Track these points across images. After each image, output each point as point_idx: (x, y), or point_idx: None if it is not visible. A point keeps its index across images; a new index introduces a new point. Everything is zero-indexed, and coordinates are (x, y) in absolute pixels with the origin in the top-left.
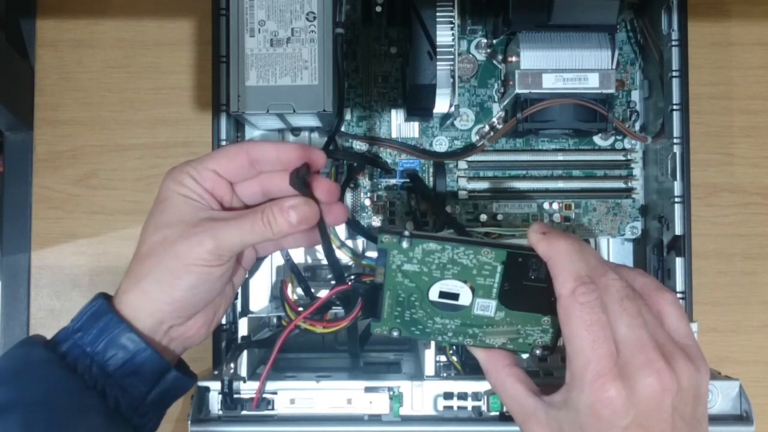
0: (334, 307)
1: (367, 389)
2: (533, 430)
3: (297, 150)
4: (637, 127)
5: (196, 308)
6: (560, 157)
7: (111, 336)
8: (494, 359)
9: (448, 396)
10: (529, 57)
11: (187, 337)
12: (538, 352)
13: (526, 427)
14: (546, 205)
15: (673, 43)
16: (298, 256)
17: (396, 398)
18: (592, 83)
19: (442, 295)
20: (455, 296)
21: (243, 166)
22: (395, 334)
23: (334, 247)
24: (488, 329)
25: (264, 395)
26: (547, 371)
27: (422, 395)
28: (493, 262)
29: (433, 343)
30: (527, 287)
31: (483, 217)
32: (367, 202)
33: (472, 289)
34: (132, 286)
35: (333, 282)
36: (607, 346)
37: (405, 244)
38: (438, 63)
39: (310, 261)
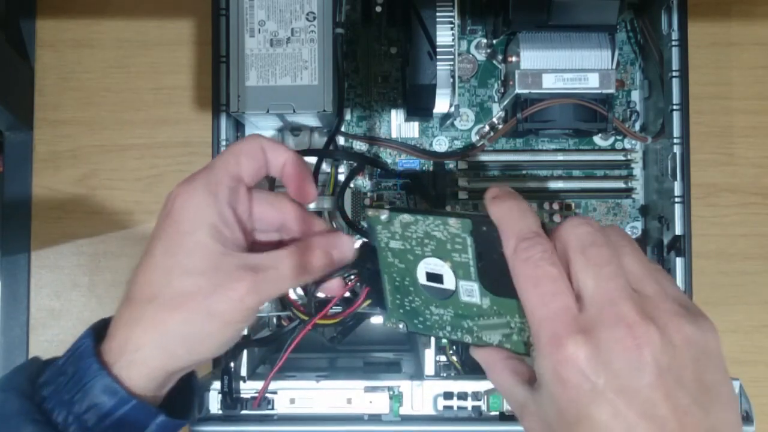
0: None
1: (367, 389)
2: (529, 423)
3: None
4: (637, 127)
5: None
6: (560, 157)
7: (88, 385)
8: (491, 356)
9: (448, 396)
10: (529, 57)
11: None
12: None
13: (523, 422)
14: (546, 205)
15: (673, 43)
16: None
17: (396, 398)
18: (592, 83)
19: (429, 277)
20: (440, 278)
21: (261, 166)
22: (401, 326)
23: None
24: (481, 321)
25: (264, 395)
26: None
27: (422, 395)
28: (462, 233)
29: (433, 343)
30: (499, 263)
31: None
32: (367, 202)
33: (454, 272)
34: (143, 334)
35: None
36: (562, 300)
37: (383, 217)
38: (438, 63)
39: None
